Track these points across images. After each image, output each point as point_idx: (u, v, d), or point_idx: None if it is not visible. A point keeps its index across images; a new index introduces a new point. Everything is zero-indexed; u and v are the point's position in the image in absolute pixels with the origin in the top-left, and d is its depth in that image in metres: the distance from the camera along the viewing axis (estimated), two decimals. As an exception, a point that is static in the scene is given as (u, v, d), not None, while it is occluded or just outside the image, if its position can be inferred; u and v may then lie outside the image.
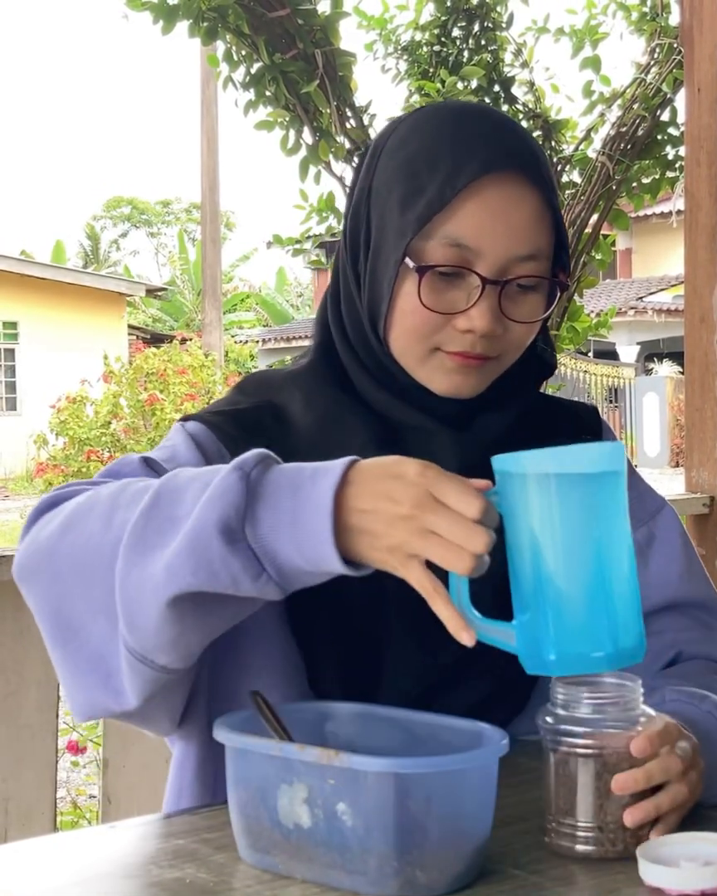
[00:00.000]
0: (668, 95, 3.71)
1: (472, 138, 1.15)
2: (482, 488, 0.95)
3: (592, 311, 5.03)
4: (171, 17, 3.38)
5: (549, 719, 1.02)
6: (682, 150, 3.52)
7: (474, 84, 3.83)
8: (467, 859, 0.93)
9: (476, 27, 3.89)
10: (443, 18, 3.89)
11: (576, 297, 3.85)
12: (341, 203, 3.88)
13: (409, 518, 0.92)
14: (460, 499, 0.92)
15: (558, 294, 1.21)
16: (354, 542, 0.95)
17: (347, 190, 1.60)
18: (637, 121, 3.73)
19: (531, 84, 3.89)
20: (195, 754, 1.22)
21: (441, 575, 0.94)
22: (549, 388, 3.62)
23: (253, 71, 3.50)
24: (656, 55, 3.75)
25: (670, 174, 3.87)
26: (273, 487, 0.96)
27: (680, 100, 3.57)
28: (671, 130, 3.80)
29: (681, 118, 3.59)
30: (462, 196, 1.13)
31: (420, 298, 1.15)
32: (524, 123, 3.80)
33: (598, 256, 3.86)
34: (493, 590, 0.99)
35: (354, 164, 3.56)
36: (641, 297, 23.11)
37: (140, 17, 3.41)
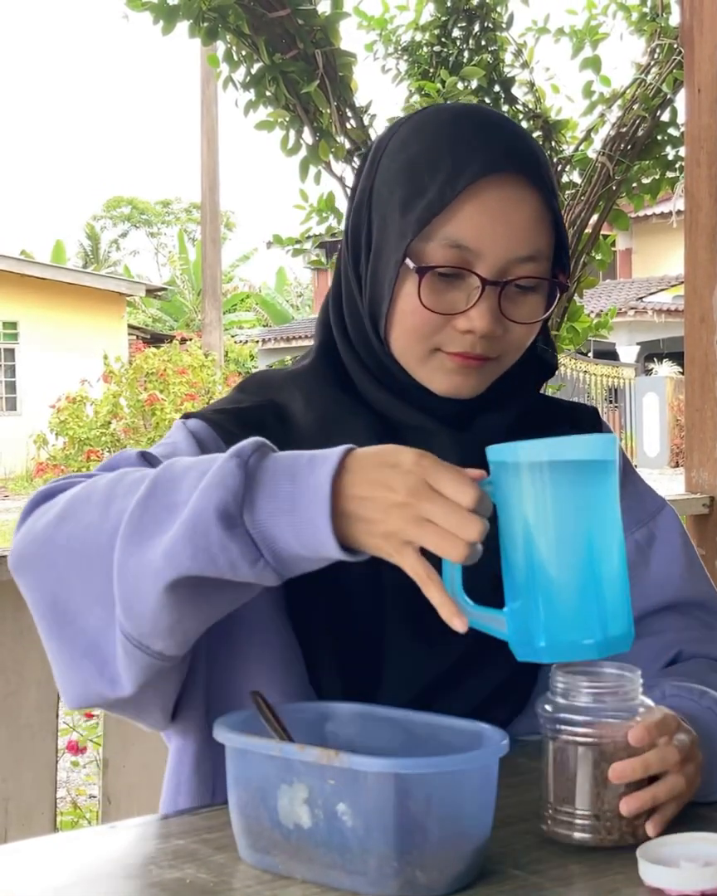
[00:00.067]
0: (668, 96, 3.72)
1: (472, 140, 1.15)
2: (477, 478, 0.95)
3: (592, 312, 5.03)
4: (171, 17, 3.38)
5: (548, 707, 1.03)
6: (682, 151, 3.53)
7: (474, 84, 3.84)
8: (467, 859, 0.93)
9: (476, 27, 3.90)
10: (443, 19, 3.90)
11: (576, 298, 3.86)
12: (341, 203, 3.88)
13: (404, 505, 0.93)
14: (454, 487, 0.93)
15: (558, 295, 1.21)
16: (350, 529, 0.95)
17: (349, 191, 1.60)
18: (637, 121, 3.73)
19: (531, 84, 3.89)
20: (193, 749, 1.22)
21: (436, 562, 0.95)
22: (549, 389, 3.62)
23: (253, 71, 3.51)
24: (656, 55, 3.75)
25: (670, 174, 3.87)
26: (271, 474, 0.97)
27: (680, 100, 3.58)
28: (671, 131, 3.80)
29: (681, 118, 3.59)
30: (462, 197, 1.13)
31: (420, 299, 1.15)
32: (524, 124, 3.80)
33: (598, 257, 3.86)
34: (489, 579, 1.00)
35: (354, 165, 3.56)
36: (641, 298, 23.10)
37: (140, 18, 3.42)
